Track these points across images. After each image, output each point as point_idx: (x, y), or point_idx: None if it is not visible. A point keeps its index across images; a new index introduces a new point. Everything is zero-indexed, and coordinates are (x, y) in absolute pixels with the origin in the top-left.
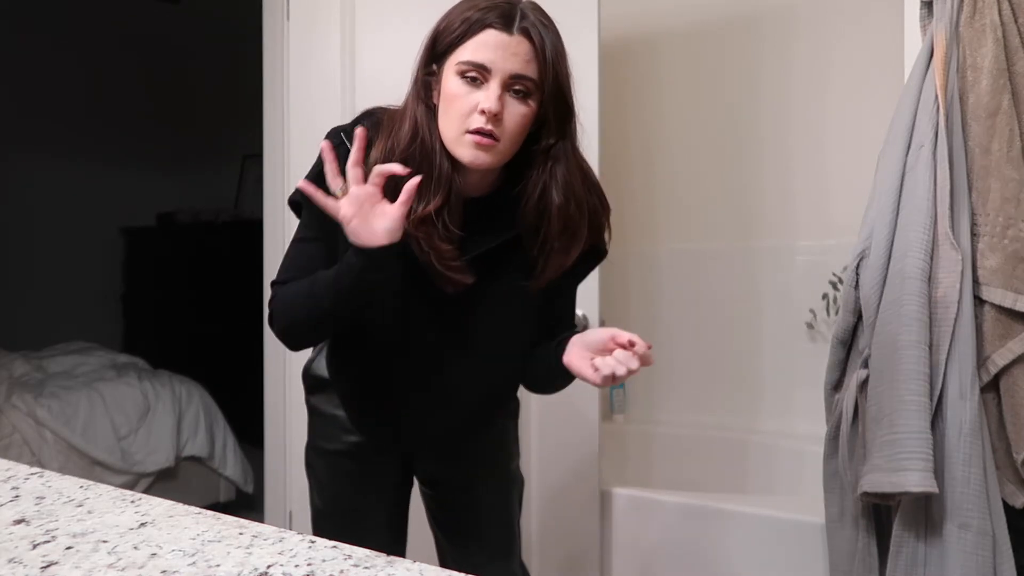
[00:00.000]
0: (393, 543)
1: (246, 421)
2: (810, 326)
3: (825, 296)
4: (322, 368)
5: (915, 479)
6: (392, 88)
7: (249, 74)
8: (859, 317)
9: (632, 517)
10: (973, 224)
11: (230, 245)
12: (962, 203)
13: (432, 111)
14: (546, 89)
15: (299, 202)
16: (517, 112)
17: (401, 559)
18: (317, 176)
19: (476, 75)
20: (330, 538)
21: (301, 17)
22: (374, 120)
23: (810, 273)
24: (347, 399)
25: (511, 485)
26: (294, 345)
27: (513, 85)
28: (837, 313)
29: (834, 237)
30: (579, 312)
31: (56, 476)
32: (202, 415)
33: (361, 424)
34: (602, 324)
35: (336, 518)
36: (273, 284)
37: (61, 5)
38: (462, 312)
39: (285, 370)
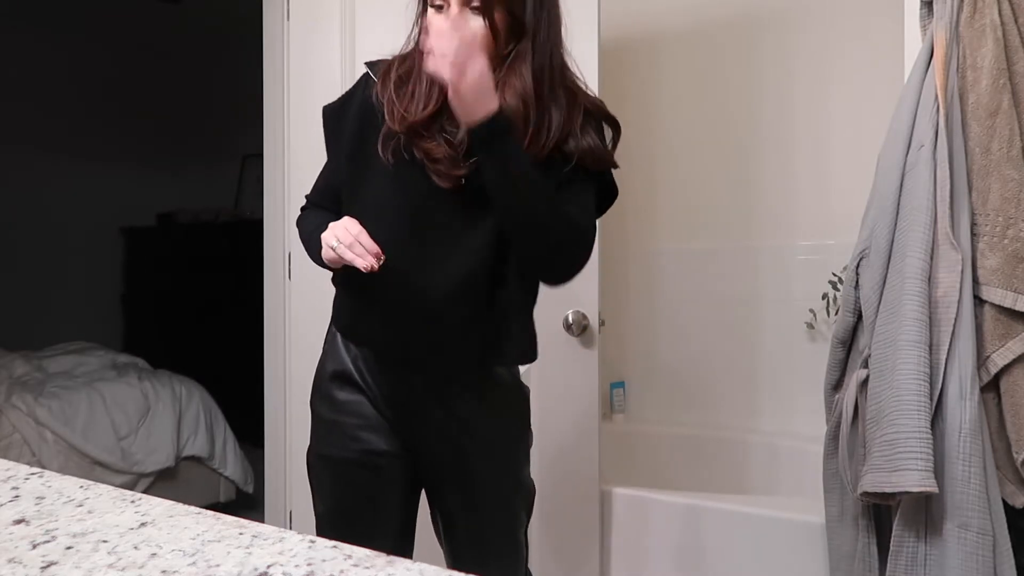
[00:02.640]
0: (399, 552)
1: (246, 421)
2: (810, 326)
3: (825, 296)
4: (330, 364)
5: (915, 479)
6: None
7: (249, 74)
8: (859, 317)
9: (632, 517)
10: (973, 224)
11: (230, 245)
12: (962, 203)
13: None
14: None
15: (327, 116)
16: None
17: (401, 559)
18: (343, 101)
19: (441, 3)
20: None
21: (301, 17)
22: (386, 60)
23: (810, 273)
24: (353, 313)
25: (518, 491)
26: None
27: (470, 2)
28: (837, 313)
29: (834, 237)
30: (579, 311)
31: (56, 476)
32: (202, 415)
33: (368, 336)
34: (602, 324)
35: (341, 526)
36: (307, 200)
37: (61, 5)
38: (462, 207)
39: (285, 370)
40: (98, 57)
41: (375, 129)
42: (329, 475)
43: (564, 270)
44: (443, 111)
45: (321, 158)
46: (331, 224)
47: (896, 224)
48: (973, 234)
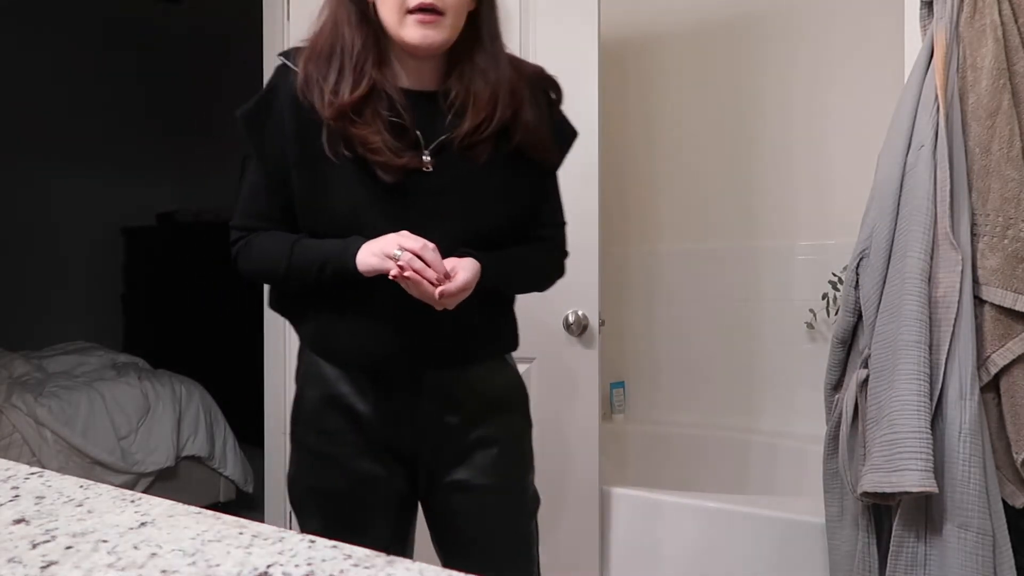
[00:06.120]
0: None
1: (246, 421)
2: (810, 326)
3: (825, 296)
4: (310, 389)
5: (915, 479)
6: None
7: (249, 74)
8: (859, 317)
9: (632, 517)
10: (973, 224)
11: (230, 245)
12: (962, 203)
13: (359, 5)
14: None
15: (248, 121)
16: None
17: (401, 559)
18: (262, 102)
19: None
20: None
21: (301, 17)
22: (301, 46)
23: (810, 273)
24: (331, 332)
25: (524, 497)
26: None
27: None
28: (837, 313)
29: (834, 237)
30: (579, 312)
31: (56, 476)
32: (202, 415)
33: (351, 352)
34: (602, 324)
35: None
36: (234, 228)
37: (61, 5)
38: (428, 210)
39: (285, 370)
40: (98, 57)
41: (315, 125)
42: (318, 507)
43: (547, 287)
44: (378, 90)
45: None
46: (377, 239)
47: (896, 224)
48: (973, 234)
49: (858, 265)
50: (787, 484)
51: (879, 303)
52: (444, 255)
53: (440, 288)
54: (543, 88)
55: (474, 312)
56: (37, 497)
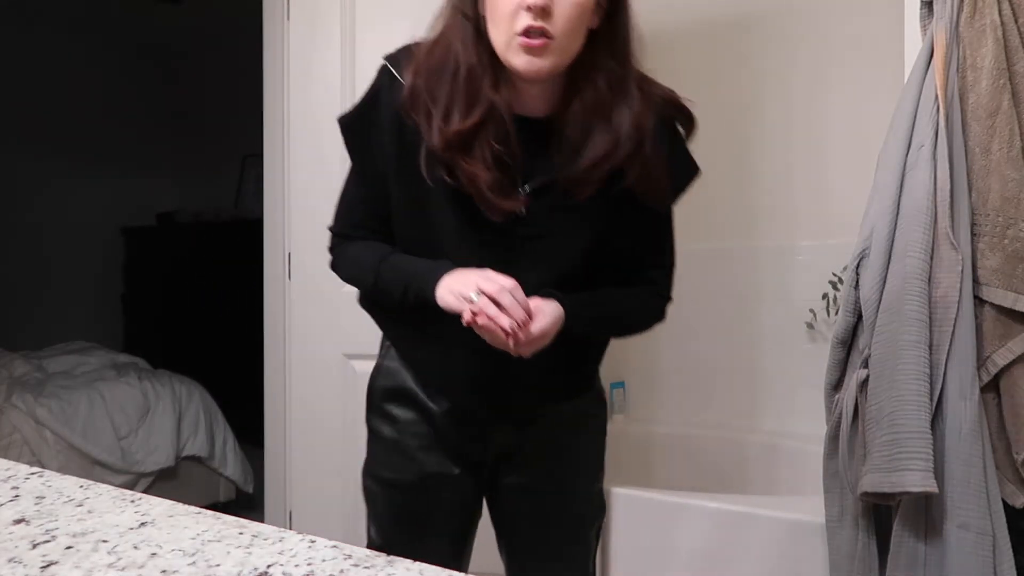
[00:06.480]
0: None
1: (246, 421)
2: (810, 326)
3: (825, 296)
4: (383, 380)
5: (915, 479)
6: None
7: (249, 74)
8: (859, 317)
9: (632, 517)
10: (973, 224)
11: (230, 245)
12: (962, 203)
13: (474, 22)
14: None
15: (348, 130)
16: (568, 2)
17: (401, 559)
18: (364, 110)
19: None
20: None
21: (301, 17)
22: (409, 50)
23: (810, 273)
24: (415, 344)
25: (588, 505)
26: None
27: None
28: (837, 313)
29: (834, 237)
30: None
31: (56, 476)
32: (202, 415)
33: (433, 369)
34: None
35: (396, 545)
36: (333, 233)
37: (62, 5)
38: (519, 245)
39: (285, 370)
40: (98, 57)
41: (414, 144)
42: (384, 499)
43: (642, 332)
44: (491, 117)
45: (321, 157)
46: (459, 271)
47: (896, 224)
48: (973, 234)
49: (858, 265)
50: (787, 484)
51: (879, 303)
52: (531, 292)
53: (513, 338)
54: (671, 117)
55: (557, 357)
56: (37, 497)
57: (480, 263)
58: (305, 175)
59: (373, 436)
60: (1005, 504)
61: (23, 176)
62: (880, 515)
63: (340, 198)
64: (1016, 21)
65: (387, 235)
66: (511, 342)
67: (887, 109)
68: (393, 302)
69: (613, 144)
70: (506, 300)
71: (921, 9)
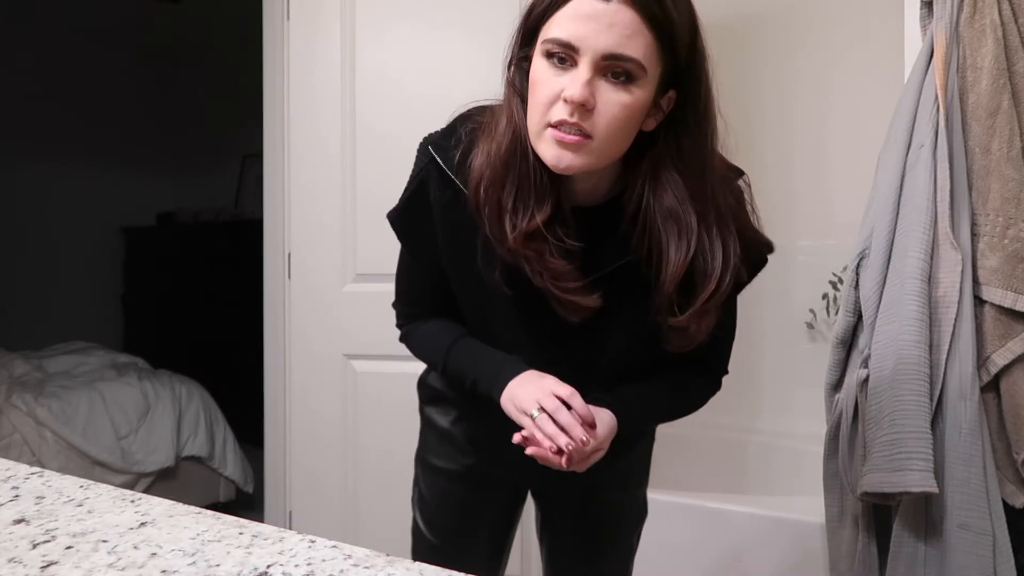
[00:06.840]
0: (492, 569)
1: (246, 421)
2: (810, 326)
3: (825, 296)
4: (434, 379)
5: (915, 479)
6: (392, 87)
7: (249, 74)
8: (859, 317)
9: None
10: (973, 224)
11: (230, 245)
12: (962, 203)
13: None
14: (663, 70)
15: (399, 225)
16: (615, 102)
17: (401, 559)
18: (409, 204)
19: (564, 55)
20: (429, 556)
21: (301, 17)
22: (471, 126)
23: (810, 273)
24: (463, 417)
25: (635, 506)
26: None
27: (611, 68)
28: (837, 313)
29: (834, 237)
30: None
31: (56, 476)
32: (202, 415)
33: (476, 443)
34: None
35: (436, 537)
36: (397, 312)
37: (61, 5)
38: (586, 341)
39: (285, 370)
40: (98, 57)
41: (470, 240)
42: (431, 483)
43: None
44: (560, 210)
45: (322, 157)
46: (524, 379)
47: (896, 224)
48: (973, 234)
49: (858, 265)
50: (787, 484)
51: (879, 303)
52: (585, 388)
53: (566, 459)
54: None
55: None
56: (37, 497)
57: (542, 351)
58: (305, 175)
59: (429, 423)
60: (1005, 504)
61: (23, 176)
62: (880, 515)
63: (397, 276)
64: (1016, 21)
65: (453, 308)
66: (563, 461)
67: (887, 109)
68: (462, 388)
69: (684, 252)
70: (563, 418)
71: (921, 9)
